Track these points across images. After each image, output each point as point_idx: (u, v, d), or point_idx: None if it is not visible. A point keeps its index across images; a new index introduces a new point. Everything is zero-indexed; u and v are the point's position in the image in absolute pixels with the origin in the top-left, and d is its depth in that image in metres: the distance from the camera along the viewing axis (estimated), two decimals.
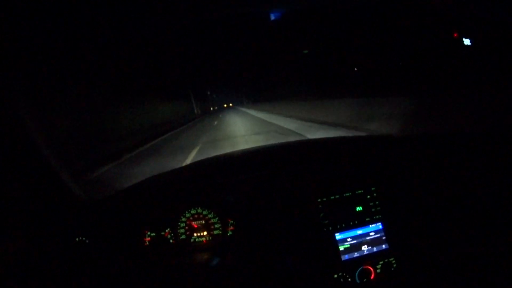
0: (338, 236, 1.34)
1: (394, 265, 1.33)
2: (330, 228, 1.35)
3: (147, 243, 1.37)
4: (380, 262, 1.33)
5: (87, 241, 1.34)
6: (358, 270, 1.31)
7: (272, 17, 1.40)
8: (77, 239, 1.34)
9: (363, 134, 6.14)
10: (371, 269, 1.32)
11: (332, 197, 1.36)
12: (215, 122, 18.51)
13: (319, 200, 1.35)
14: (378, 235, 1.37)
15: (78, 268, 1.32)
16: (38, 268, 1.27)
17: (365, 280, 1.31)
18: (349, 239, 1.35)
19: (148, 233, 1.37)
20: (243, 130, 11.28)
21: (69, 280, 1.31)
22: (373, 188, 1.39)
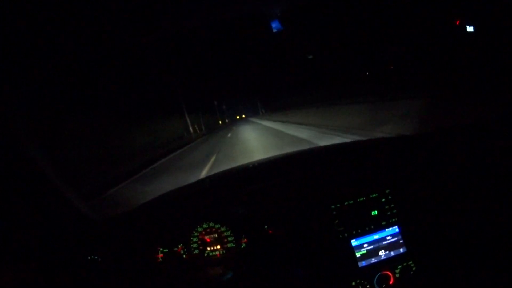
0: (354, 242, 1.31)
1: (414, 269, 1.29)
2: (346, 234, 1.32)
3: (160, 259, 1.37)
4: (399, 267, 1.29)
5: (99, 259, 1.35)
6: (377, 276, 1.27)
7: (274, 29, 1.42)
8: (89, 257, 1.36)
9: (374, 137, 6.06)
10: (390, 274, 1.28)
11: (346, 203, 1.33)
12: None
13: (333, 206, 1.32)
14: (395, 238, 1.33)
15: (91, 287, 1.34)
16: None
17: (384, 285, 1.27)
18: (365, 245, 1.31)
19: (161, 249, 1.36)
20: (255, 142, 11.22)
21: None
22: (387, 191, 1.35)
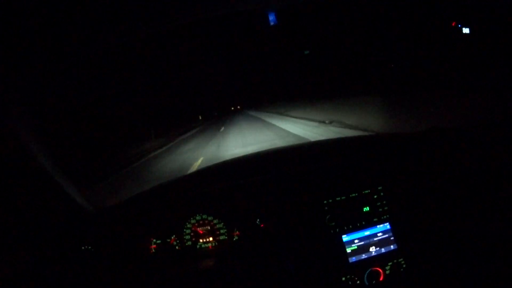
0: (345, 238, 1.32)
1: (404, 266, 1.31)
2: (337, 230, 1.33)
3: (153, 250, 1.37)
4: (389, 263, 1.30)
5: (92, 249, 1.36)
6: (367, 272, 1.28)
7: (271, 22, 1.41)
8: (83, 247, 1.36)
9: (367, 133, 6.06)
10: (380, 270, 1.29)
11: (338, 198, 1.34)
12: None
13: (325, 202, 1.33)
14: (386, 235, 1.34)
15: (85, 277, 1.34)
16: (45, 277, 1.29)
17: (374, 282, 1.28)
18: (356, 241, 1.32)
19: (154, 240, 1.37)
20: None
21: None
22: (380, 188, 1.36)
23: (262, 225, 1.33)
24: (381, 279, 1.29)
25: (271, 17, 1.42)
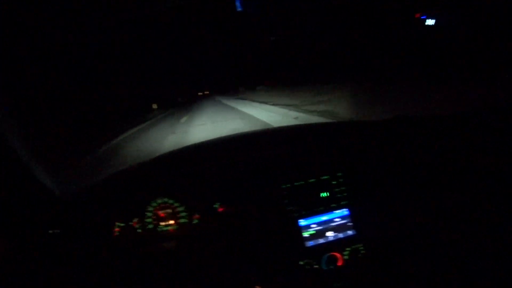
0: (302, 222, 1.34)
1: (362, 251, 1.32)
2: (295, 214, 1.34)
3: (117, 233, 1.40)
4: (348, 249, 1.31)
5: (60, 233, 1.39)
6: (325, 256, 1.29)
7: (238, 8, 1.43)
8: (50, 231, 1.39)
9: (329, 120, 6.05)
10: (338, 255, 1.30)
11: (297, 184, 1.35)
12: None
13: (283, 186, 1.35)
14: (345, 221, 1.35)
15: (53, 260, 1.38)
16: (12, 261, 1.32)
17: (332, 266, 1.29)
18: (313, 225, 1.34)
19: (117, 223, 1.40)
20: None
21: (44, 271, 1.36)
22: (339, 174, 1.37)
23: (220, 209, 1.35)
24: (339, 264, 1.30)
25: (237, 3, 1.44)
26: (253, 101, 16.77)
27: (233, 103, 17.92)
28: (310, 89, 13.92)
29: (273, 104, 12.37)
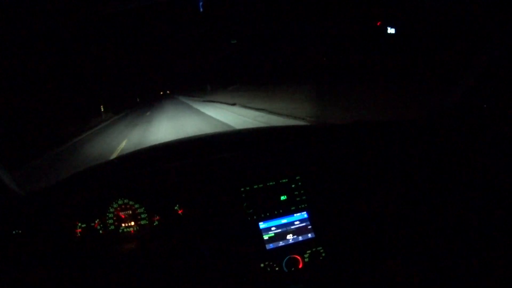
0: (262, 225, 1.35)
1: (323, 254, 1.32)
2: (255, 217, 1.35)
3: (79, 234, 1.40)
4: (308, 251, 1.32)
5: (22, 233, 1.38)
6: (285, 259, 1.30)
7: (201, 8, 1.44)
8: (14, 232, 1.39)
9: (290, 124, 6.03)
10: (299, 258, 1.31)
11: (256, 186, 1.36)
12: None
13: (243, 189, 1.36)
14: (304, 224, 1.37)
15: (16, 260, 1.37)
16: None
17: (293, 269, 1.30)
18: (273, 228, 1.35)
19: (79, 224, 1.40)
20: None
21: (7, 271, 1.35)
22: (298, 177, 1.39)
23: (180, 211, 1.35)
24: (300, 266, 1.31)
25: (200, 3, 1.45)
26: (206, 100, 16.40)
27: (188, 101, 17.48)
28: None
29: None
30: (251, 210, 1.35)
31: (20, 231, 1.39)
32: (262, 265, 1.30)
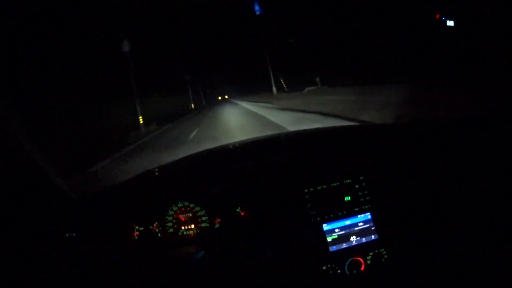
0: (325, 226, 1.33)
1: (385, 256, 1.31)
2: (318, 218, 1.33)
3: (136, 237, 1.39)
4: (370, 253, 1.30)
5: (77, 236, 1.37)
6: (348, 261, 1.28)
7: (257, 12, 1.42)
8: (67, 235, 1.37)
9: (352, 123, 5.94)
10: (361, 260, 1.29)
11: (320, 187, 1.34)
12: None
13: (306, 190, 1.34)
14: (367, 225, 1.34)
15: (69, 264, 1.35)
16: (29, 264, 1.30)
17: (355, 271, 1.28)
18: (337, 230, 1.33)
19: (137, 227, 1.39)
20: None
21: (60, 275, 1.34)
22: (362, 178, 1.36)
23: (242, 213, 1.34)
24: (362, 268, 1.29)
25: (256, 7, 1.43)
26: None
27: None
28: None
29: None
30: (314, 212, 1.33)
31: (74, 234, 1.37)
32: (324, 267, 1.28)
